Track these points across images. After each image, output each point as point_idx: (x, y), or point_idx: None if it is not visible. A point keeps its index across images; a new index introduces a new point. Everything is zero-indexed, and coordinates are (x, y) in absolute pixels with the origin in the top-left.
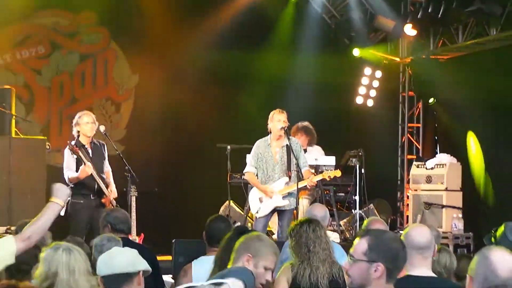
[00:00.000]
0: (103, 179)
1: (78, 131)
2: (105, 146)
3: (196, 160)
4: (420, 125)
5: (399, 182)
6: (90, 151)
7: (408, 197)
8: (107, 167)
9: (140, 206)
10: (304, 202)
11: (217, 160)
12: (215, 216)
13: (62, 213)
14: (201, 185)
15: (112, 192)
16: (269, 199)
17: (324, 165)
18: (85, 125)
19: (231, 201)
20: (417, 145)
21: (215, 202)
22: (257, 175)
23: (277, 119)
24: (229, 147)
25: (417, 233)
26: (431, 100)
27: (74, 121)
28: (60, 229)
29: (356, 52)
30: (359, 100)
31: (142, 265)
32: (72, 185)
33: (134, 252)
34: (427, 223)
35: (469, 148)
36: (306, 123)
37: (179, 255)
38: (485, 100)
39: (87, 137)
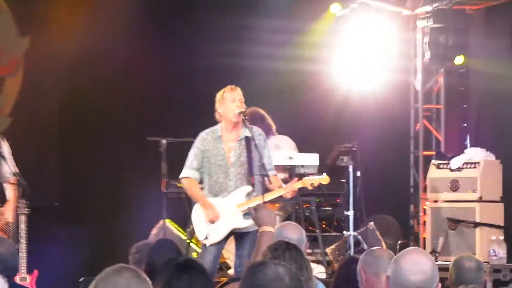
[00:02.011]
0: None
1: None
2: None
3: (117, 160)
4: (441, 106)
5: (411, 189)
6: None
7: (425, 211)
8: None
9: (34, 228)
10: None
11: (147, 160)
12: (159, 239)
13: None
14: (125, 196)
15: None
16: (221, 218)
17: (303, 166)
18: None
19: (167, 220)
20: (437, 135)
21: (145, 220)
22: (201, 182)
23: (230, 99)
24: (164, 141)
25: (412, 264)
26: (458, 59)
27: None
28: None
29: None
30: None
31: None
32: None
33: None
34: (453, 249)
35: None
36: (253, 109)
37: None
38: None
39: None
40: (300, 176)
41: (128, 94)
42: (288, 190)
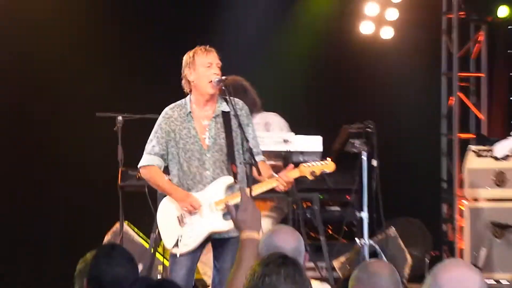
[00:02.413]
0: None
1: None
2: None
3: (57, 144)
4: (483, 74)
5: (444, 184)
6: None
7: (461, 213)
8: None
9: None
10: (264, 223)
11: (97, 144)
12: (103, 250)
13: None
14: (68, 191)
15: None
16: (196, 218)
17: (302, 153)
18: None
19: (124, 223)
20: (476, 113)
21: (96, 223)
22: (167, 173)
23: (203, 64)
24: (120, 118)
25: (456, 282)
26: (502, 10)
27: None
28: None
29: None
30: (365, 27)
31: None
32: None
33: None
34: (498, 263)
35: None
36: (232, 79)
37: None
38: None
39: None
40: (298, 164)
41: (74, 61)
42: (281, 182)
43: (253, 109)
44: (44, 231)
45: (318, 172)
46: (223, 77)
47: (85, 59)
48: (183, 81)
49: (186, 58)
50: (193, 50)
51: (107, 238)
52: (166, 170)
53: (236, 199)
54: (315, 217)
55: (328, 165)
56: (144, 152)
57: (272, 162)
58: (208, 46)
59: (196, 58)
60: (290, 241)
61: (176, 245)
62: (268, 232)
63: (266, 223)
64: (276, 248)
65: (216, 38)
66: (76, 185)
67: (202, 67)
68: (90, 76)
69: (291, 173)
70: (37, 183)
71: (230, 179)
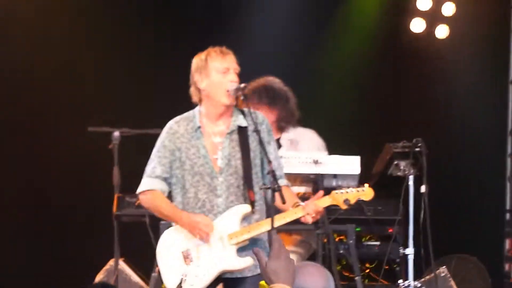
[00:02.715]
0: None
1: None
2: None
3: (45, 165)
4: None
5: (508, 215)
6: None
7: None
8: None
9: None
10: None
11: (89, 163)
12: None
13: None
14: (57, 219)
15: None
16: (205, 254)
17: (336, 176)
18: None
19: (120, 260)
20: None
21: (87, 259)
22: (171, 199)
23: (218, 70)
24: (116, 133)
25: None
26: None
27: None
28: None
29: None
30: (416, 25)
31: None
32: None
33: None
34: None
35: None
36: (270, 80)
37: None
38: None
39: None
40: (330, 190)
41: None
42: (308, 211)
43: (290, 123)
44: (27, 268)
45: (353, 201)
46: (242, 85)
47: (77, 64)
48: (192, 89)
49: (197, 61)
50: (205, 52)
51: (99, 277)
52: (170, 197)
53: (254, 232)
54: (350, 253)
55: (366, 192)
56: (144, 175)
57: (298, 188)
58: (224, 47)
59: (209, 62)
60: (317, 281)
61: (180, 285)
62: (297, 268)
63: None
64: None
65: (232, 39)
66: (64, 214)
67: (217, 73)
68: (82, 84)
69: (321, 202)
70: (19, 209)
71: (246, 208)
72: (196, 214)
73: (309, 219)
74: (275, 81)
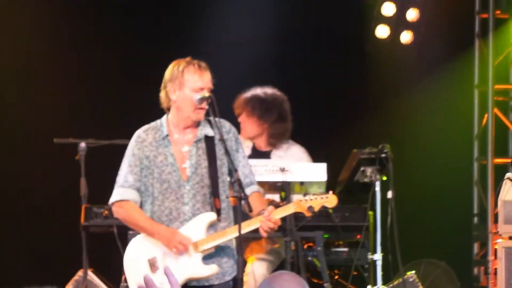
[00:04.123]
0: None
1: None
2: None
3: (11, 176)
4: None
5: (475, 219)
6: None
7: (496, 254)
8: None
9: None
10: (257, 268)
11: (56, 174)
12: None
13: None
14: (23, 229)
15: None
16: (171, 262)
17: (303, 184)
18: None
19: (89, 270)
20: None
21: (56, 269)
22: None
23: (192, 87)
24: (83, 144)
25: None
26: None
27: None
28: None
29: None
30: (381, 31)
31: None
32: None
33: None
34: None
35: None
36: (268, 91)
37: None
38: None
39: None
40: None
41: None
42: (263, 225)
43: (280, 139)
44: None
45: (317, 208)
46: (207, 94)
47: (43, 74)
48: (162, 95)
49: (173, 70)
50: (183, 63)
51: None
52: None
53: (219, 240)
54: (319, 260)
55: (330, 199)
56: (116, 185)
57: (271, 195)
58: (202, 62)
59: (185, 76)
60: None
61: None
62: (267, 278)
63: (261, 268)
64: None
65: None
66: (30, 225)
67: (190, 91)
68: (47, 96)
69: (285, 209)
70: None
71: (212, 216)
72: (173, 230)
73: (263, 234)
74: (270, 93)
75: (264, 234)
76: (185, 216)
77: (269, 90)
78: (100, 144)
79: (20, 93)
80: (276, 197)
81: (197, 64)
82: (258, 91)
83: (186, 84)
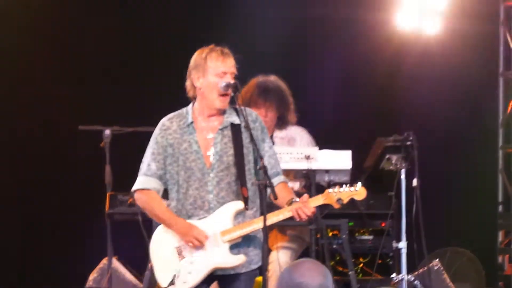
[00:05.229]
0: None
1: None
2: None
3: (36, 164)
4: None
5: (500, 207)
6: None
7: None
8: None
9: None
10: (282, 256)
11: (81, 161)
12: None
13: None
14: (48, 217)
15: None
16: (198, 250)
17: (328, 171)
18: None
19: (113, 258)
20: None
21: (81, 258)
22: (167, 197)
23: (216, 72)
24: (107, 131)
25: None
26: None
27: None
28: None
29: None
30: (404, 20)
31: None
32: None
33: None
34: None
35: None
36: (272, 79)
37: None
38: None
39: None
40: (322, 188)
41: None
42: (300, 214)
43: (286, 117)
44: (21, 267)
45: (345, 200)
46: (232, 81)
47: (67, 63)
48: (188, 83)
49: (196, 57)
50: (206, 50)
51: (92, 276)
52: (166, 195)
53: (246, 229)
54: (343, 248)
55: (359, 192)
56: (139, 173)
57: (294, 184)
58: (225, 48)
59: (208, 62)
60: (315, 277)
61: (172, 282)
62: (288, 267)
63: (285, 256)
64: (298, 286)
65: (220, 37)
66: (56, 212)
67: (213, 75)
68: (74, 82)
69: (314, 201)
70: (11, 207)
71: (239, 205)
72: (191, 224)
73: (303, 217)
74: (278, 82)
75: (304, 219)
76: (210, 205)
77: (271, 78)
78: (125, 131)
79: (44, 81)
80: (296, 186)
81: (220, 50)
82: (256, 81)
83: (209, 70)
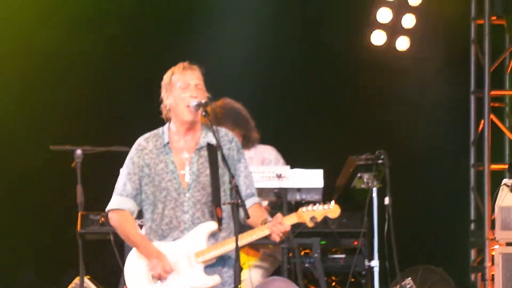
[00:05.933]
0: None
1: None
2: None
3: (7, 183)
4: None
5: (472, 225)
6: None
7: (493, 260)
8: None
9: None
10: (253, 275)
11: (52, 181)
12: None
13: None
14: (20, 236)
15: None
16: (173, 275)
17: (299, 190)
18: None
19: (86, 277)
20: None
21: (52, 277)
22: (141, 217)
23: (180, 85)
24: (79, 151)
25: None
26: None
27: None
28: None
29: None
30: (376, 37)
31: None
32: None
33: None
34: None
35: None
36: (219, 103)
37: None
38: None
39: None
40: (295, 206)
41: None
42: (275, 231)
43: (250, 138)
44: None
45: (319, 218)
46: (203, 101)
47: (40, 82)
48: (162, 105)
49: (165, 77)
50: (171, 69)
51: None
52: (141, 215)
53: (220, 249)
54: (316, 267)
55: (332, 210)
56: (114, 192)
57: (265, 203)
58: (189, 62)
59: (173, 78)
60: None
61: None
62: (260, 285)
63: (257, 274)
64: None
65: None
66: (27, 232)
67: (178, 89)
68: (44, 102)
69: (287, 219)
70: None
71: (213, 225)
72: (160, 253)
73: (277, 238)
74: (228, 103)
75: (277, 239)
76: (185, 225)
77: (227, 100)
78: (96, 151)
79: (16, 100)
80: (264, 203)
81: (181, 64)
82: (225, 103)
83: (174, 85)
